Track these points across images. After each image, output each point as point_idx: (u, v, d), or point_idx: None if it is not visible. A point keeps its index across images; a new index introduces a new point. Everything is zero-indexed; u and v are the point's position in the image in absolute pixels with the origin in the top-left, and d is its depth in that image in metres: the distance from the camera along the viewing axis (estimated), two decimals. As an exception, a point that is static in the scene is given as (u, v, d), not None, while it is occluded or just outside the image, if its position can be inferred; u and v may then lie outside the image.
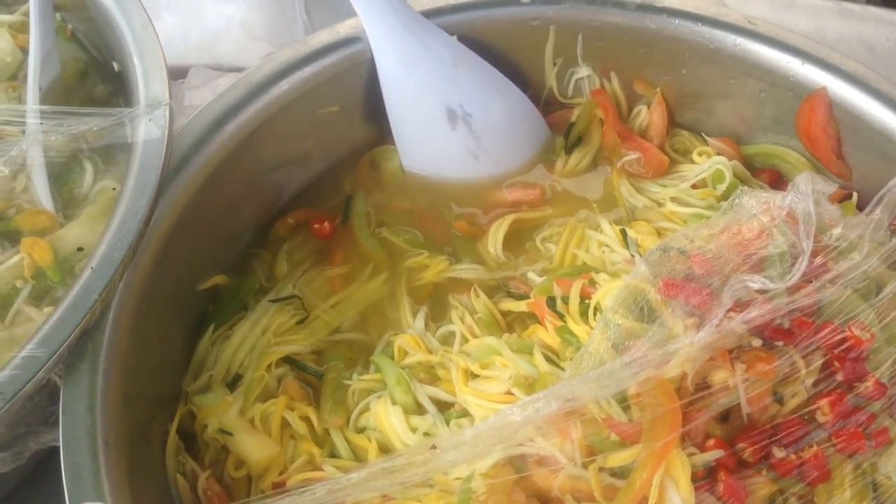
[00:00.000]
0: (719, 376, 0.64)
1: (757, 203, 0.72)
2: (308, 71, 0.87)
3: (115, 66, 0.91)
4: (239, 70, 1.12)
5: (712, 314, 0.65)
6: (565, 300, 0.76)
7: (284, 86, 0.86)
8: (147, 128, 0.79)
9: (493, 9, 0.93)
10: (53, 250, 0.80)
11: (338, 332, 0.85)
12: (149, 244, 0.76)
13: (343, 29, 0.89)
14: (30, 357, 0.66)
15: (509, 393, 0.74)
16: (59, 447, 0.66)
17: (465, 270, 0.87)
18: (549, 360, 0.75)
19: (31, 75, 0.87)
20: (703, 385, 0.64)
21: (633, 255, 0.79)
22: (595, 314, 0.73)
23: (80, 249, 0.77)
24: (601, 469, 0.65)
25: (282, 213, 0.92)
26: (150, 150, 0.78)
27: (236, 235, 0.89)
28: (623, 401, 0.67)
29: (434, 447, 0.65)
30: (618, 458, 0.65)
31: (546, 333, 0.77)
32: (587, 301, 0.75)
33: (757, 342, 0.66)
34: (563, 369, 0.74)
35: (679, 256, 0.69)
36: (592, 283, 0.78)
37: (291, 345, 0.82)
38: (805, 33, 0.91)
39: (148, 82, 0.83)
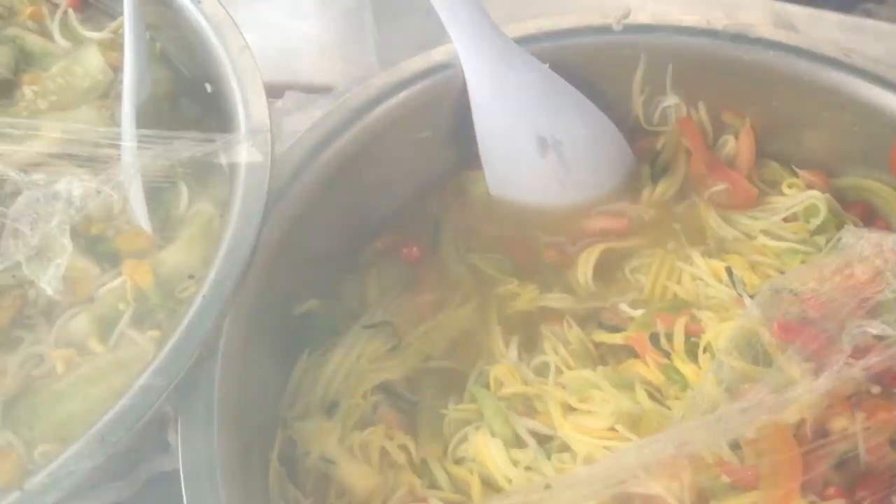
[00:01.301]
0: (839, 424, 0.64)
1: (867, 245, 0.71)
2: (403, 96, 0.88)
3: (208, 87, 0.92)
4: (320, 89, 1.12)
5: (831, 360, 0.64)
6: (669, 337, 0.76)
7: (380, 111, 0.86)
8: (249, 153, 0.80)
9: (585, 36, 0.93)
10: (154, 273, 0.80)
11: (429, 360, 0.85)
12: (251, 271, 0.76)
13: (437, 55, 0.90)
14: (147, 386, 0.66)
15: (612, 429, 0.74)
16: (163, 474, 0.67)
17: (556, 300, 0.87)
18: (651, 397, 0.75)
19: (127, 95, 0.87)
20: (821, 432, 0.64)
21: (740, 294, 0.79)
22: (703, 354, 0.73)
23: (190, 277, 0.77)
24: (713, 512, 0.66)
25: (369, 237, 0.92)
26: (253, 176, 0.79)
27: (325, 260, 0.89)
28: (734, 443, 0.67)
29: (549, 486, 0.65)
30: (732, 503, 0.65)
31: (647, 369, 0.77)
32: (693, 339, 0.75)
33: (876, 389, 0.66)
34: (667, 407, 0.74)
35: (792, 298, 0.69)
36: (694, 319, 0.78)
37: (385, 372, 0.83)
38: (875, 57, 0.91)
39: (248, 107, 0.83)
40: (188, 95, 0.95)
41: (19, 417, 0.73)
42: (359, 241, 0.92)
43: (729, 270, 0.83)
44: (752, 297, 0.75)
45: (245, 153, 0.80)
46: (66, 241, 0.72)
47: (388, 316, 0.87)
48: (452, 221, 0.94)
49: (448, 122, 0.93)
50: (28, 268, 0.72)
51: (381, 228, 0.93)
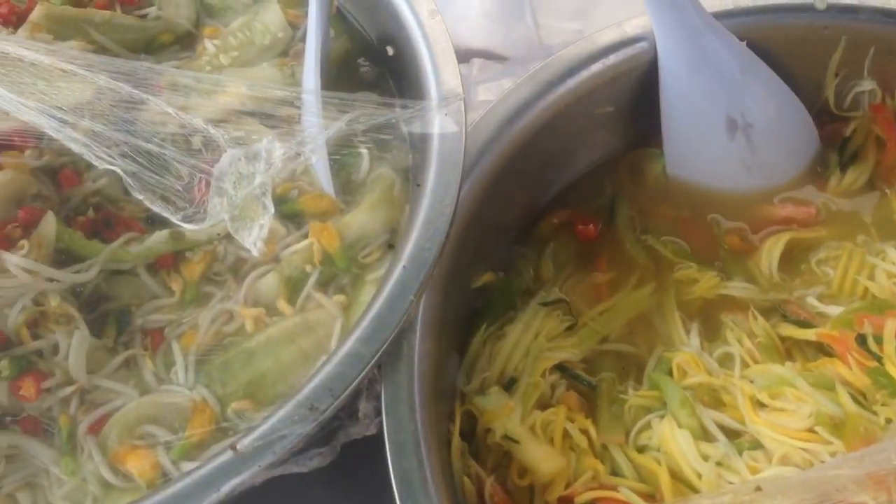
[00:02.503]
0: None
1: None
2: (593, 70, 0.85)
3: (389, 50, 0.90)
4: (479, 53, 1.10)
5: None
6: (878, 339, 0.73)
7: (570, 84, 0.84)
8: (442, 122, 0.78)
9: (785, 14, 0.88)
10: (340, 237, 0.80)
11: (606, 342, 0.83)
12: (443, 242, 0.75)
13: (629, 28, 0.86)
14: (354, 354, 0.66)
15: (811, 431, 0.71)
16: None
17: (737, 289, 0.84)
18: (855, 400, 0.72)
19: (311, 55, 0.86)
20: None
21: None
22: (920, 360, 0.70)
23: (390, 246, 0.76)
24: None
25: (544, 211, 0.90)
26: (448, 146, 0.77)
27: (503, 233, 0.88)
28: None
29: (759, 489, 0.63)
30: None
31: (848, 371, 0.73)
32: (903, 343, 0.72)
33: None
34: (873, 413, 0.71)
35: None
36: (898, 320, 0.74)
37: (562, 351, 0.81)
38: None
39: (440, 74, 0.81)
40: (366, 56, 0.94)
41: (212, 373, 0.74)
42: (533, 215, 0.90)
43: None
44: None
45: (438, 121, 0.78)
46: (268, 203, 0.72)
47: (563, 294, 0.85)
48: (627, 199, 0.91)
49: (631, 97, 0.89)
50: (232, 227, 0.72)
51: (556, 203, 0.91)
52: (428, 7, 0.85)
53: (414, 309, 0.69)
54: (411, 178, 0.84)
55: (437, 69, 0.81)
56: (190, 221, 0.71)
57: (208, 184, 0.73)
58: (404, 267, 0.70)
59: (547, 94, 0.83)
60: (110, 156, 0.74)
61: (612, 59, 0.85)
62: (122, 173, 0.72)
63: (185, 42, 0.93)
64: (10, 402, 0.70)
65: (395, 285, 0.69)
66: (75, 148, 0.73)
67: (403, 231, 0.82)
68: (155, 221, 0.80)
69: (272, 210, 0.72)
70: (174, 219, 0.71)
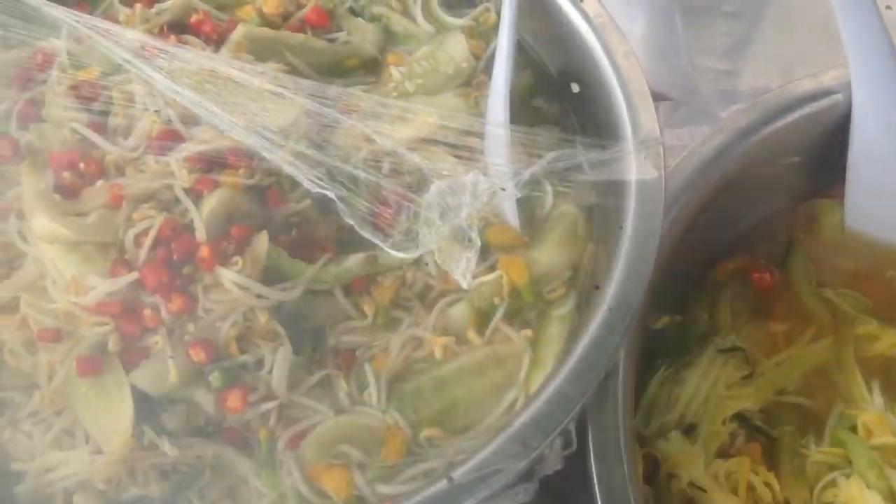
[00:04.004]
0: None
1: None
2: (788, 120, 0.85)
3: (574, 86, 0.91)
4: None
5: None
6: None
7: (764, 134, 0.84)
8: (641, 165, 0.79)
9: None
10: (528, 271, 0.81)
11: (783, 393, 0.83)
12: (636, 284, 0.76)
13: (826, 79, 0.86)
14: (564, 394, 0.67)
15: None
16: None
17: (923, 350, 0.83)
18: None
19: (501, 86, 0.87)
20: None
21: None
22: None
23: (596, 287, 0.76)
24: None
25: (718, 256, 0.90)
26: (647, 190, 0.78)
27: (678, 276, 0.88)
28: None
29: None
30: None
31: None
32: None
33: None
34: None
35: None
36: None
37: (741, 400, 0.81)
38: None
39: (636, 116, 0.82)
40: (545, 91, 0.95)
41: (404, 398, 0.76)
42: (708, 260, 0.90)
43: None
44: None
45: (636, 165, 0.79)
46: (475, 236, 0.73)
47: (739, 341, 0.85)
48: (803, 249, 0.91)
49: (818, 148, 0.89)
50: (440, 258, 0.73)
51: (731, 249, 0.91)
52: (623, 48, 0.86)
53: (619, 351, 0.70)
54: (595, 216, 0.85)
55: (634, 111, 0.82)
56: (400, 250, 0.73)
57: (416, 213, 0.75)
58: (610, 309, 0.71)
59: (742, 142, 0.83)
60: (319, 178, 0.76)
61: (807, 109, 0.85)
62: (335, 198, 0.74)
63: (369, 67, 0.95)
64: (216, 412, 0.73)
65: (601, 327, 0.70)
66: (287, 169, 0.76)
67: (587, 270, 0.83)
68: (344, 243, 0.81)
69: (478, 244, 0.74)
70: (385, 246, 0.73)
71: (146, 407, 0.71)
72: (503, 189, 0.77)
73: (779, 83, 1.18)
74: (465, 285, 0.72)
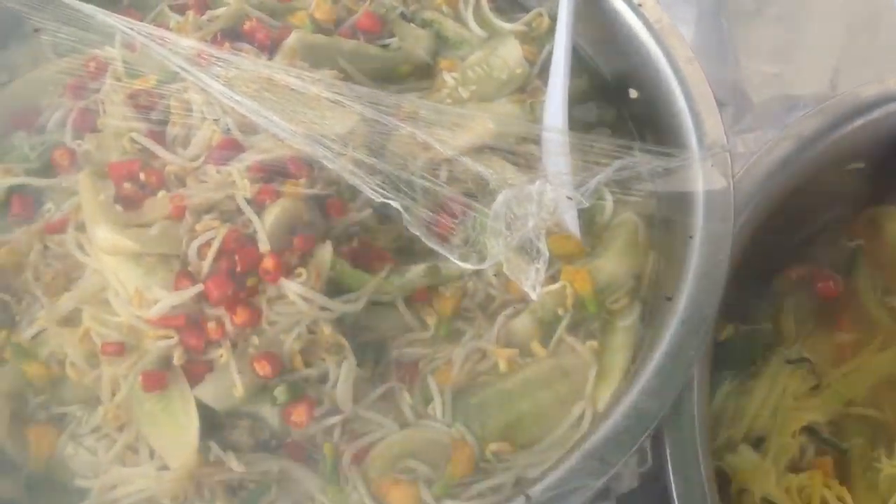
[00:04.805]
0: None
1: None
2: (856, 125, 0.83)
3: (632, 92, 0.90)
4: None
5: None
6: None
7: (831, 140, 0.82)
8: (708, 173, 0.78)
9: None
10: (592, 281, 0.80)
11: (851, 405, 0.81)
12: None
13: (891, 84, 0.84)
14: (642, 409, 0.66)
15: None
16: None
17: None
18: None
19: (559, 92, 0.87)
20: None
21: None
22: None
23: (668, 299, 0.75)
24: None
25: (780, 264, 0.89)
26: (715, 199, 0.76)
27: (742, 285, 0.86)
28: None
29: None
30: None
31: None
32: None
33: None
34: None
35: None
36: None
37: (809, 412, 0.80)
38: None
39: (701, 123, 0.80)
40: (601, 97, 0.94)
41: (469, 412, 0.74)
42: (770, 268, 0.88)
43: None
44: None
45: (703, 173, 0.77)
46: (543, 247, 0.72)
47: (805, 351, 0.83)
48: (867, 257, 0.89)
49: (882, 153, 0.87)
50: (508, 269, 0.72)
51: (793, 256, 0.89)
52: (685, 53, 0.84)
53: (694, 364, 0.68)
54: (655, 223, 0.84)
55: (698, 117, 0.81)
56: (465, 260, 0.72)
57: (482, 223, 0.74)
58: (683, 321, 0.69)
59: (808, 148, 0.81)
60: (381, 186, 0.75)
61: (875, 114, 0.83)
62: (399, 207, 0.72)
63: (422, 73, 0.94)
64: (280, 427, 0.72)
65: (674, 340, 0.69)
66: (349, 178, 0.75)
67: (650, 279, 0.82)
68: (403, 253, 0.80)
69: (547, 254, 0.72)
70: (451, 257, 0.72)
71: (211, 422, 0.70)
72: (569, 198, 0.75)
73: (828, 85, 1.17)
74: (534, 297, 0.71)
